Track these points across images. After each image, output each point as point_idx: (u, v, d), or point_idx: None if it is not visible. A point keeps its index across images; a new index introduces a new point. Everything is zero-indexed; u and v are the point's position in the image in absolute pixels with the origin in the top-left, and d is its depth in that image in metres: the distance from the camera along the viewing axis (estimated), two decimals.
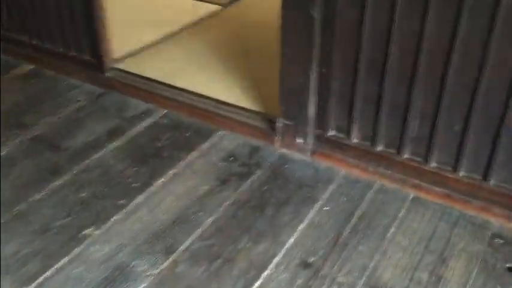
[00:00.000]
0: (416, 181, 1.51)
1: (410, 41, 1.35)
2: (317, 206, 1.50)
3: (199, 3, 2.76)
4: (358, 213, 1.47)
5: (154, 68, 2.14)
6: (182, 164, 1.67)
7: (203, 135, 1.81)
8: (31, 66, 2.27)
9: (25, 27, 2.22)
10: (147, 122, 1.89)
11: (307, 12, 1.45)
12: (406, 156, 1.51)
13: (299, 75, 1.56)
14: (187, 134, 1.81)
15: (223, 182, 1.59)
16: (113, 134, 1.82)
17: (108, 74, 2.09)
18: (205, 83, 2.03)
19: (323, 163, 1.65)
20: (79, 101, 2.03)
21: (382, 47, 1.40)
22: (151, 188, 1.57)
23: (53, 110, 1.96)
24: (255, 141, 1.76)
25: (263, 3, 2.77)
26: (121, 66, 2.14)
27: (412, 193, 1.52)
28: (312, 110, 1.60)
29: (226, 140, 1.78)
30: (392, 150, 1.53)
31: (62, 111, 1.96)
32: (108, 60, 2.09)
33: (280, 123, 1.68)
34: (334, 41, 1.46)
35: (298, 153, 1.69)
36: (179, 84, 2.00)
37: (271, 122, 1.75)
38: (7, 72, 2.23)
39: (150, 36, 2.39)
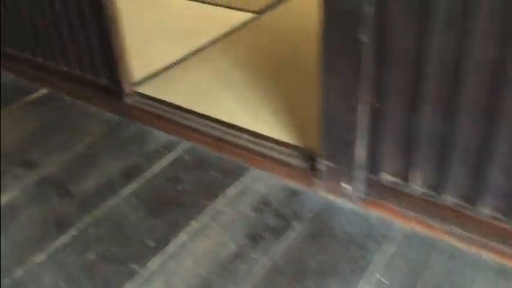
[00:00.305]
0: (499, 245, 1.19)
1: (491, 69, 1.03)
2: (370, 274, 1.20)
3: (230, 11, 2.49)
4: (422, 286, 1.17)
5: (178, 92, 1.89)
6: (206, 214, 1.41)
7: (231, 175, 1.54)
8: (46, 91, 2.08)
9: (41, 49, 2.02)
10: (168, 158, 1.64)
11: (354, 36, 1.15)
12: (485, 211, 1.19)
13: (344, 109, 1.27)
14: (213, 174, 1.55)
15: (254, 239, 1.33)
16: (129, 174, 1.59)
17: (126, 100, 1.86)
18: (235, 109, 1.76)
19: (375, 214, 1.35)
20: (94, 132, 1.80)
21: (452, 76, 1.08)
22: (169, 248, 1.32)
23: (64, 144, 1.75)
24: (293, 184, 1.48)
25: (302, 9, 2.47)
26: (141, 89, 1.90)
27: (493, 260, 1.20)
28: (361, 150, 1.30)
29: (258, 182, 1.51)
30: (466, 204, 1.22)
31: (75, 146, 1.74)
32: (127, 85, 1.86)
33: (321, 164, 1.40)
34: (390, 69, 1.16)
35: (345, 200, 1.40)
36: (205, 110, 1.75)
37: (311, 159, 1.46)
38: (22, 97, 2.04)
39: (174, 53, 2.14)
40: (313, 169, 1.44)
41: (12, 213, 1.48)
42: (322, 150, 1.38)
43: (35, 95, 2.06)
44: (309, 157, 1.48)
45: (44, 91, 2.08)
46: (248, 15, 2.45)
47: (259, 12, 2.46)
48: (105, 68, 1.85)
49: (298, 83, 1.88)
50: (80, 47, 1.86)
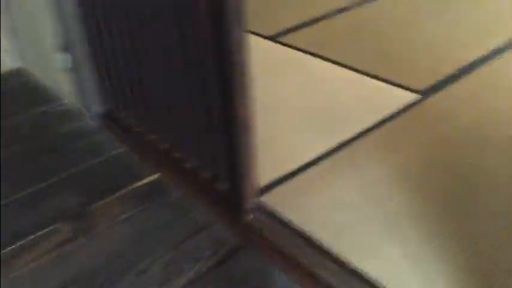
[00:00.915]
0: None
1: None
2: None
3: (387, 89, 1.97)
4: None
5: (312, 213, 1.41)
6: None
7: None
8: (155, 177, 1.73)
9: (158, 126, 1.69)
10: None
11: None
12: None
13: None
14: None
15: None
16: None
17: (246, 215, 1.43)
18: (397, 265, 1.24)
19: None
20: (201, 258, 1.40)
21: None
22: None
23: (162, 274, 1.36)
24: None
25: (481, 95, 1.87)
26: (267, 199, 1.47)
27: None
28: None
29: None
30: None
31: (175, 280, 1.34)
32: (249, 196, 1.43)
33: None
34: None
35: None
36: (349, 256, 1.25)
37: None
38: (127, 184, 1.72)
39: (311, 147, 1.67)
40: None
41: None
42: None
43: (143, 181, 1.73)
44: None
45: (152, 178, 1.74)
46: (409, 96, 1.90)
47: (424, 94, 1.91)
48: (225, 170, 1.44)
49: (501, 239, 1.28)
50: (199, 138, 1.48)
